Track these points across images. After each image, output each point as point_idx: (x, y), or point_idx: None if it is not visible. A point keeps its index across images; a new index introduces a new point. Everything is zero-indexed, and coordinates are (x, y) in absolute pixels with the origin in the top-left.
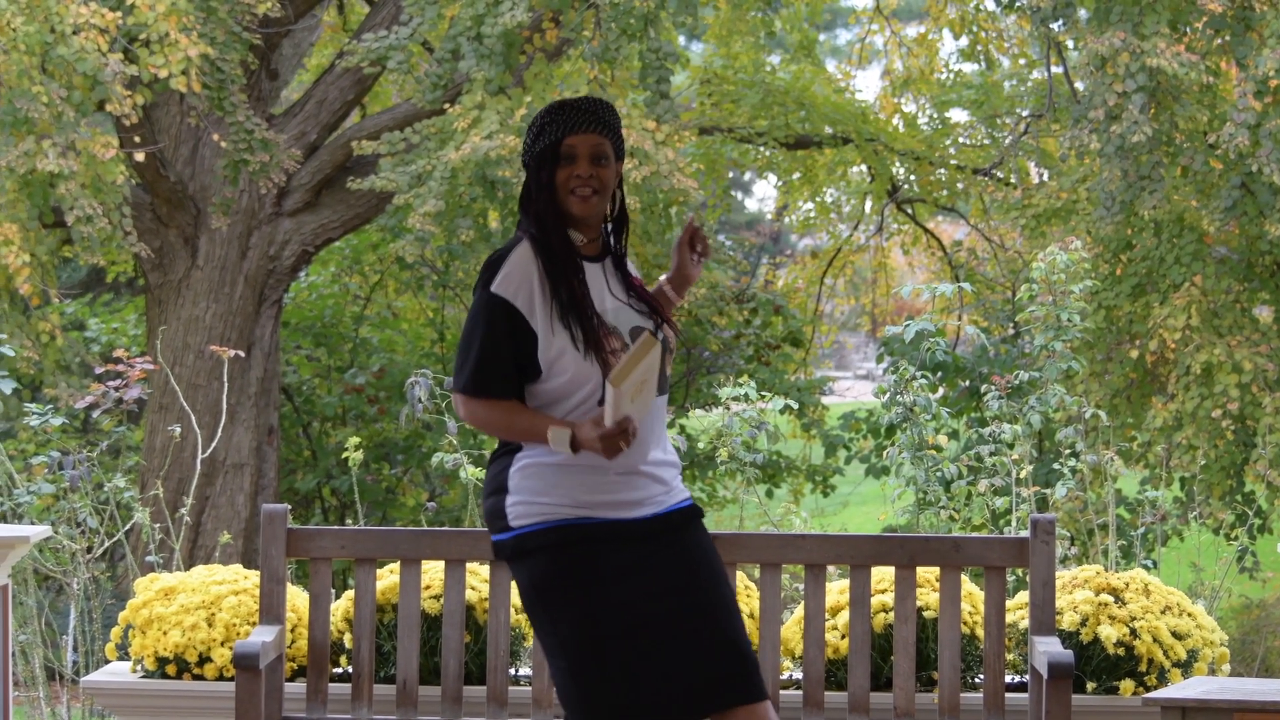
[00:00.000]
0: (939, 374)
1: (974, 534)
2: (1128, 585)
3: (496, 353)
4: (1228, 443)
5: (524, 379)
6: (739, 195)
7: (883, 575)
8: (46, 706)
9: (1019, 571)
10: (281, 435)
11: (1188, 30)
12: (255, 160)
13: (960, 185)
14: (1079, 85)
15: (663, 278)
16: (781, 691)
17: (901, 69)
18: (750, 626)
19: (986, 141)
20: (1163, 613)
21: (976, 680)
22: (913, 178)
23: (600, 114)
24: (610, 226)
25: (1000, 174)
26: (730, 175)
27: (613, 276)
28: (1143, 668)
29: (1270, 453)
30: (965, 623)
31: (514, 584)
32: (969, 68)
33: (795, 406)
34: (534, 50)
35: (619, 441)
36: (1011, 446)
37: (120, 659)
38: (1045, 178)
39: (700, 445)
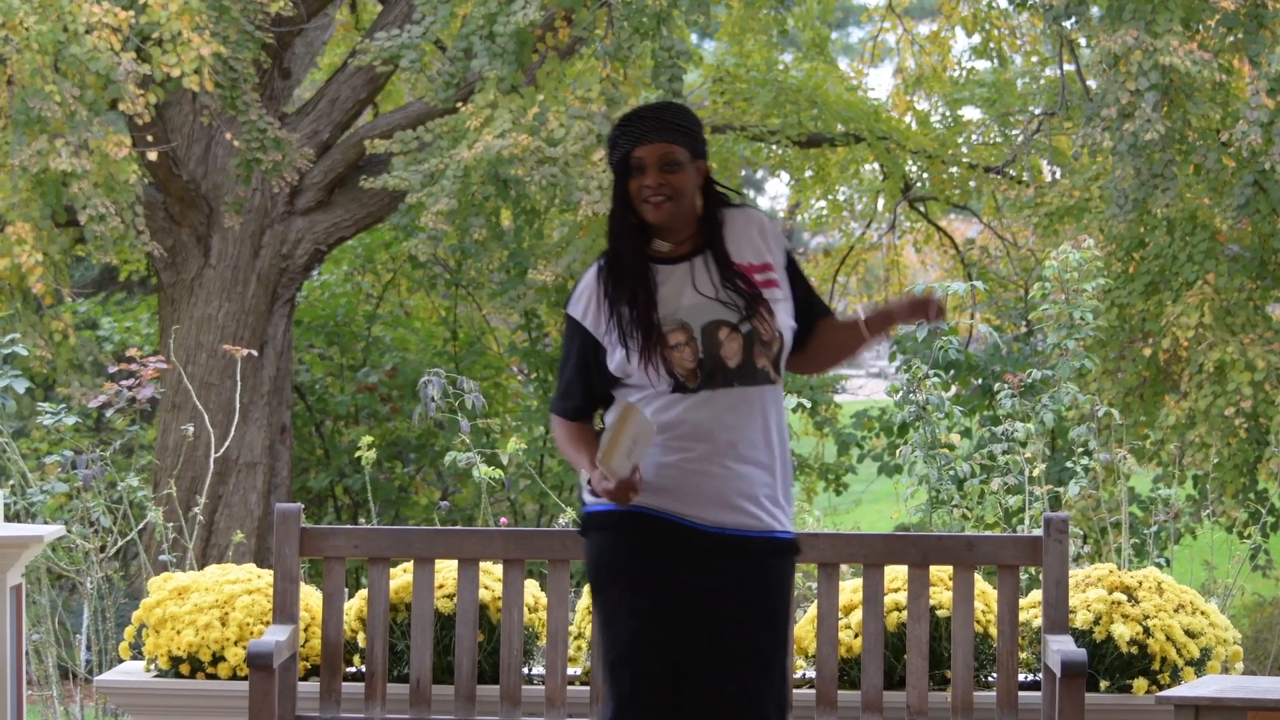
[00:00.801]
0: (952, 372)
1: (987, 533)
2: (1141, 584)
3: (569, 373)
4: (1241, 441)
5: (609, 386)
6: (751, 193)
7: (896, 574)
8: (60, 705)
9: (1032, 570)
10: (294, 434)
11: (1200, 28)
12: (268, 159)
13: (973, 183)
14: (1092, 83)
15: (863, 308)
16: (795, 690)
17: (914, 67)
18: None
19: (999, 139)
20: (1176, 611)
21: (989, 679)
22: (925, 176)
23: (666, 119)
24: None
25: (1013, 172)
26: (743, 173)
27: (706, 271)
28: (1156, 666)
29: None
30: (978, 621)
31: (525, 584)
32: (981, 65)
33: (808, 405)
34: (546, 49)
35: (624, 496)
36: (1024, 445)
37: (134, 658)
38: (1058, 176)
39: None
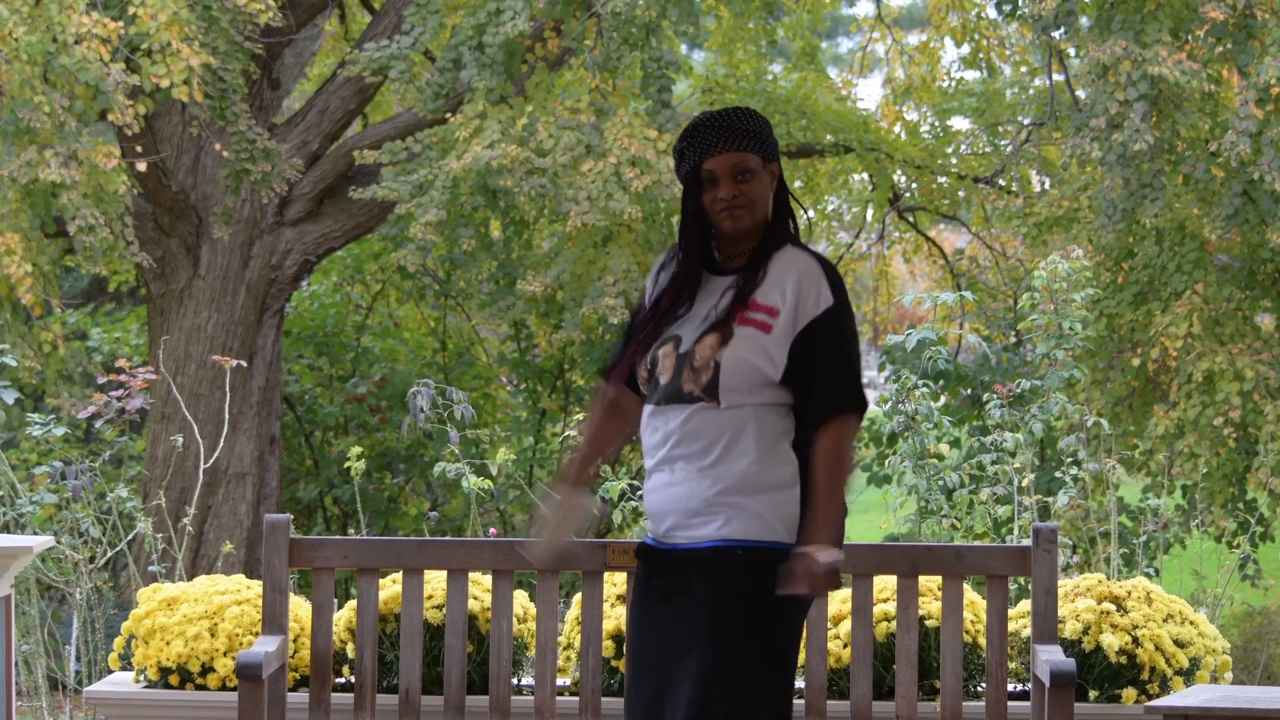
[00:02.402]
0: (941, 382)
1: (976, 543)
2: (1130, 593)
3: (624, 331)
4: (1229, 450)
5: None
6: None
7: (885, 584)
8: (49, 716)
9: (1021, 580)
10: (283, 445)
11: (1189, 38)
12: (257, 170)
13: (962, 193)
14: (1080, 93)
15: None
16: None
17: (903, 77)
18: None
19: (988, 149)
20: (1165, 621)
21: (979, 689)
22: (914, 186)
23: (735, 127)
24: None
25: (1002, 182)
26: None
27: (734, 286)
28: (1145, 676)
29: (1272, 460)
30: (967, 631)
31: (514, 594)
32: (971, 75)
33: None
34: (536, 59)
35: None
36: (1013, 455)
37: (123, 669)
38: (1047, 186)
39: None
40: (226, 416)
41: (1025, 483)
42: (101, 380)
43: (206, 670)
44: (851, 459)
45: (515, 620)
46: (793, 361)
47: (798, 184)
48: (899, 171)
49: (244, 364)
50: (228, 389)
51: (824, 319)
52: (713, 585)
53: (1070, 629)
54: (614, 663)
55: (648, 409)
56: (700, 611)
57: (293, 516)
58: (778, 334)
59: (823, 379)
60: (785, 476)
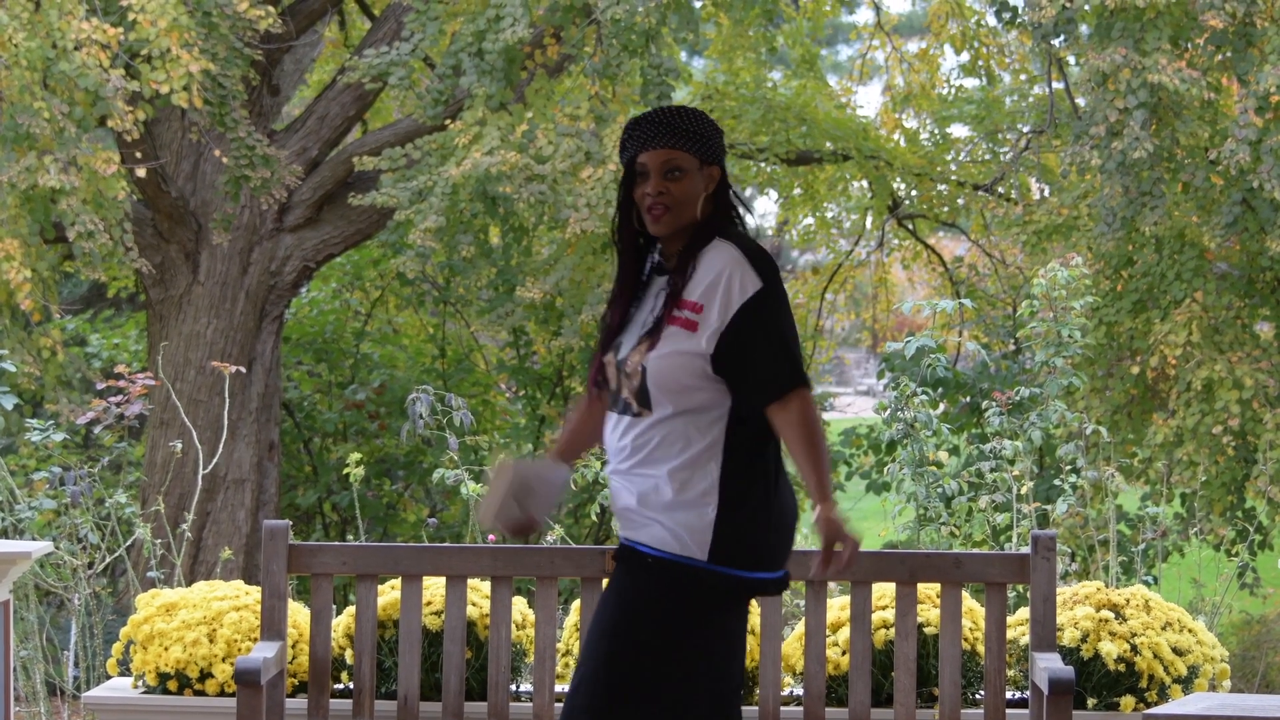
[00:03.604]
0: (940, 390)
1: (975, 550)
2: (1128, 601)
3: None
4: (1228, 459)
5: None
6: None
7: (883, 591)
8: None
9: (1020, 588)
10: (282, 451)
11: (1189, 46)
12: (256, 176)
13: (961, 201)
14: (1080, 101)
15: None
16: (783, 708)
17: (902, 84)
18: (751, 643)
19: (987, 157)
20: (1163, 629)
21: (977, 697)
22: (914, 193)
23: (674, 125)
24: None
25: (1001, 190)
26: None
27: (666, 287)
28: (1143, 684)
29: (1271, 469)
30: (966, 639)
31: (513, 601)
32: (970, 83)
33: None
34: (535, 66)
35: (512, 533)
36: (1012, 463)
37: (122, 675)
38: (1046, 194)
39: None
40: (225, 422)
41: (1024, 490)
42: (100, 386)
43: (205, 676)
44: (819, 425)
45: (514, 626)
46: (725, 350)
47: (797, 191)
48: (898, 179)
49: (243, 370)
50: (227, 395)
51: (753, 303)
52: (625, 582)
53: (1069, 637)
54: None
55: (609, 415)
56: (609, 604)
57: (291, 523)
58: (704, 328)
59: (761, 362)
60: (701, 492)
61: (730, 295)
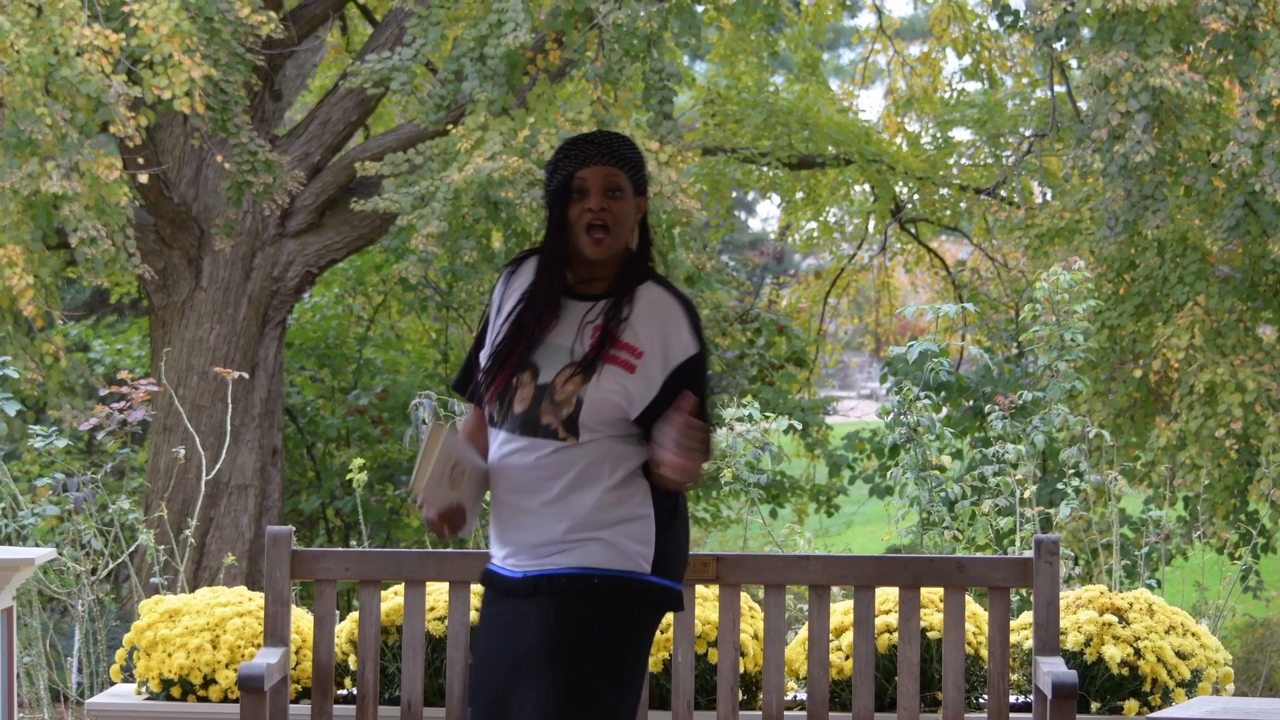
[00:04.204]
0: (942, 394)
1: (978, 554)
2: (1132, 605)
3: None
4: (1231, 462)
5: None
6: (742, 215)
7: (887, 596)
8: None
9: (1023, 592)
10: (285, 456)
11: (1191, 50)
12: (259, 181)
13: (963, 205)
14: (1082, 105)
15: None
16: (786, 713)
17: (904, 88)
18: (754, 648)
19: (989, 161)
20: (1167, 632)
21: (981, 701)
22: (916, 197)
23: (614, 147)
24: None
25: (1004, 193)
26: (734, 195)
27: (596, 316)
28: (1147, 688)
29: (1274, 472)
30: (969, 643)
31: None
32: (972, 87)
33: (799, 427)
34: (537, 71)
35: (440, 530)
36: (1015, 466)
37: (125, 681)
38: (1048, 197)
39: (705, 466)
40: (228, 428)
41: (1027, 494)
42: (103, 392)
43: (208, 682)
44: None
45: None
46: (654, 408)
47: (799, 195)
48: (900, 183)
49: (246, 376)
50: (229, 401)
51: (689, 365)
52: (566, 611)
53: (1072, 640)
54: None
55: (500, 433)
56: (551, 636)
57: (294, 528)
58: (641, 374)
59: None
60: (638, 504)
61: (669, 354)
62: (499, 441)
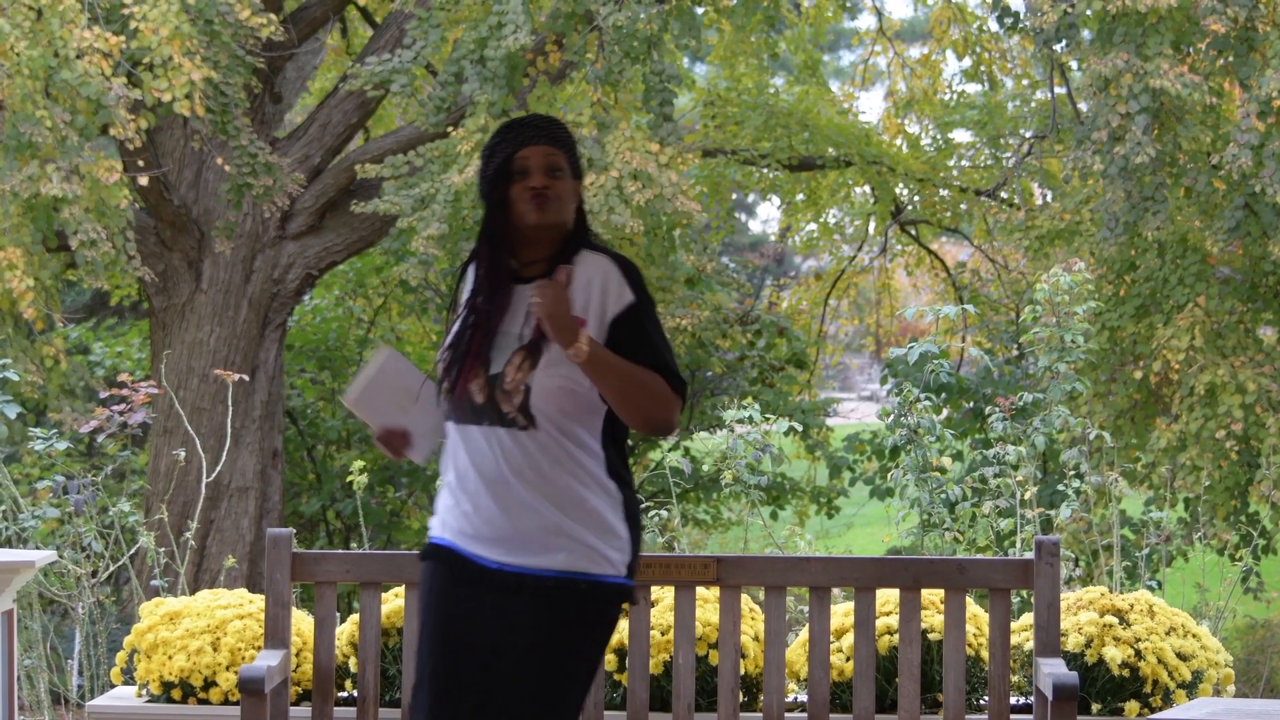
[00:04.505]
0: (943, 395)
1: (978, 556)
2: (1132, 606)
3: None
4: (1232, 464)
5: None
6: (742, 217)
7: (887, 597)
8: None
9: (1024, 593)
10: (286, 459)
11: (1191, 51)
12: (259, 184)
13: (963, 206)
14: (1082, 106)
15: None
16: (787, 714)
17: (904, 90)
18: (755, 649)
19: (990, 162)
20: (1167, 634)
21: (981, 702)
22: (916, 199)
23: (552, 130)
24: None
25: (1004, 195)
26: (734, 197)
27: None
28: (1148, 689)
29: (1274, 473)
30: (970, 645)
31: None
32: (972, 88)
33: (799, 428)
34: (537, 73)
35: (388, 449)
36: (1016, 468)
37: (125, 683)
38: (1049, 199)
39: (705, 467)
40: (229, 431)
41: (1027, 496)
42: (103, 395)
43: (209, 685)
44: (660, 403)
45: None
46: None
47: (800, 197)
48: (901, 184)
49: (246, 378)
50: (230, 403)
51: (627, 315)
52: (556, 614)
53: (1073, 642)
54: (616, 676)
55: (459, 425)
56: (542, 639)
57: (295, 530)
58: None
59: (636, 356)
60: (611, 504)
61: (605, 308)
62: (460, 433)
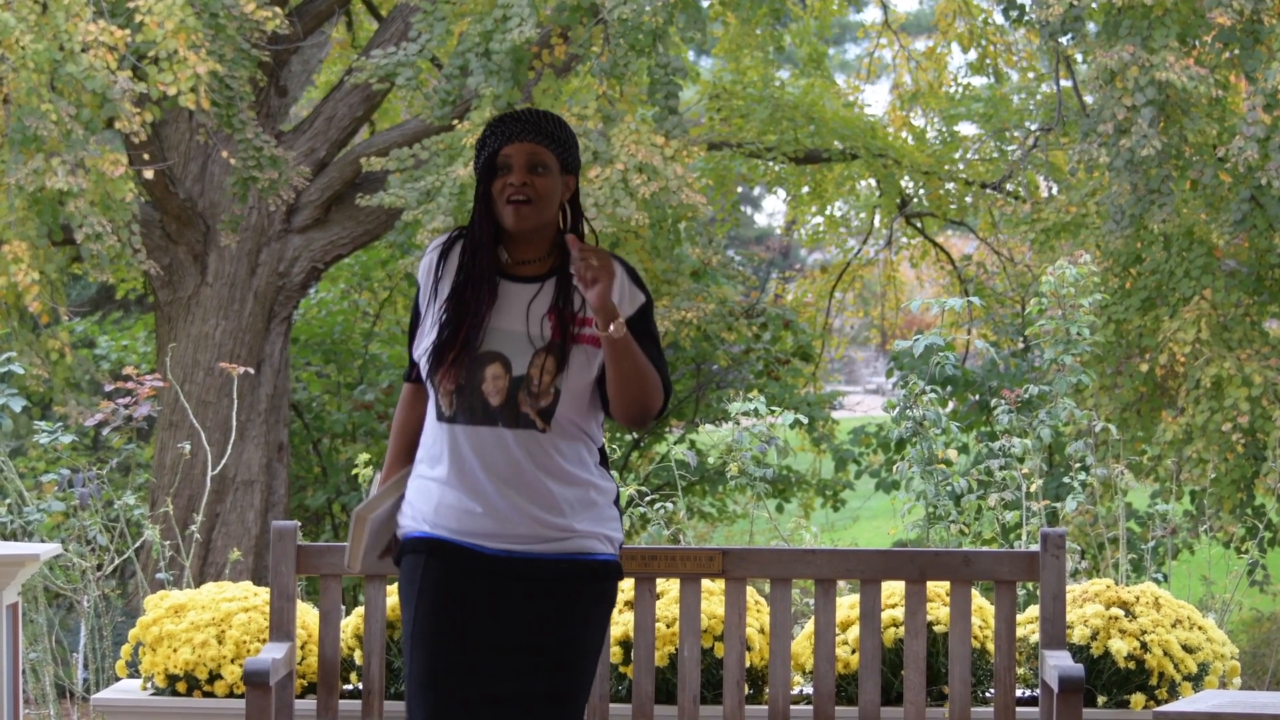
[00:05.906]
0: (949, 388)
1: (984, 548)
2: (1138, 599)
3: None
4: (1238, 456)
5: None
6: (748, 210)
7: (893, 590)
8: None
9: (1029, 585)
10: (291, 452)
11: (1197, 44)
12: (264, 177)
13: (969, 199)
14: (1088, 99)
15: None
16: (792, 707)
17: (910, 83)
18: (760, 642)
19: (995, 155)
20: (1173, 626)
21: (987, 695)
22: (922, 192)
23: (541, 124)
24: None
25: (1010, 187)
26: (739, 190)
27: (543, 300)
28: (1153, 681)
29: None
30: (976, 637)
31: None
32: (978, 81)
33: (805, 421)
34: (543, 66)
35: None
36: (1021, 460)
37: (131, 676)
38: (1054, 191)
39: (710, 460)
40: (234, 424)
41: (1033, 488)
42: (109, 388)
43: (214, 677)
44: (653, 398)
45: None
46: None
47: (805, 190)
48: (906, 177)
49: (252, 371)
50: (235, 396)
51: (640, 316)
52: (577, 598)
53: (1078, 634)
54: (622, 669)
55: (466, 427)
56: (562, 617)
57: (300, 524)
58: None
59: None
60: (608, 494)
61: (624, 296)
62: (464, 433)
